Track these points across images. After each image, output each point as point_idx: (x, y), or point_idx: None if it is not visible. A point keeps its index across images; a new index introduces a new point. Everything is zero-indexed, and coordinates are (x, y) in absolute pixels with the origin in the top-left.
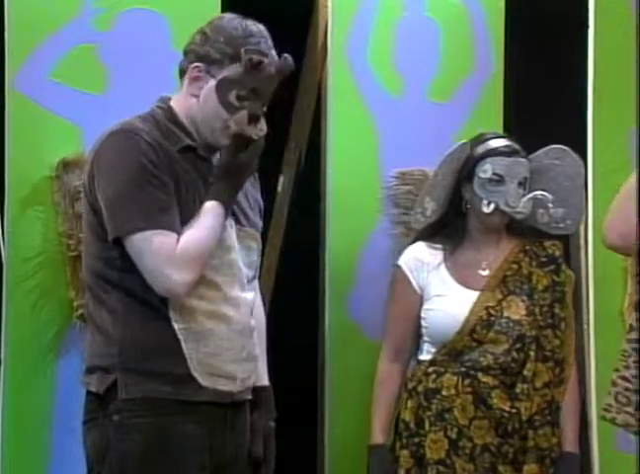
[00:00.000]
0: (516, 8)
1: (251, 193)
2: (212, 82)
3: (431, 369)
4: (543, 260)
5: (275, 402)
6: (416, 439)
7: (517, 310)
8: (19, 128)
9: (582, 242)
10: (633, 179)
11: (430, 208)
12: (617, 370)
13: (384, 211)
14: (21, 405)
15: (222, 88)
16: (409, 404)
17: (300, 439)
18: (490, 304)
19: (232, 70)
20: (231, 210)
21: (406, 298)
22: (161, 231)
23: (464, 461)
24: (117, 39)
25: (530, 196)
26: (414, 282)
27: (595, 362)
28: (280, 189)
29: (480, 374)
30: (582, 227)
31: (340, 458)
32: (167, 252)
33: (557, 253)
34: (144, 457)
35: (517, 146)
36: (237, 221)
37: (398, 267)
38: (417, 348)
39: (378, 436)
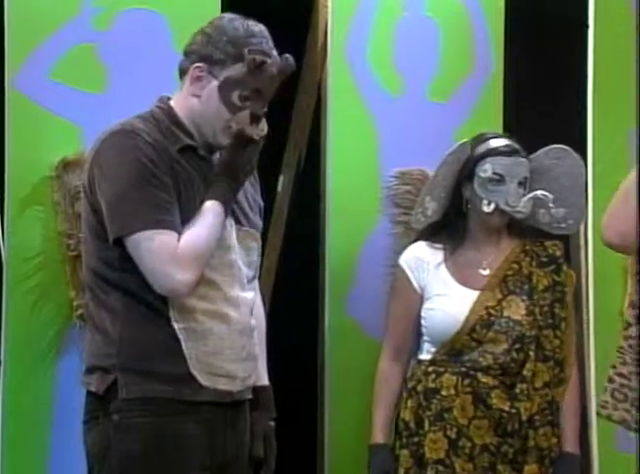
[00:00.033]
0: (516, 8)
1: (250, 193)
2: (215, 82)
3: (431, 369)
4: (544, 260)
5: (274, 402)
6: (415, 439)
7: (517, 310)
8: (19, 128)
9: (582, 242)
10: (632, 176)
11: (430, 208)
12: (614, 367)
13: (384, 211)
14: (21, 405)
15: (225, 88)
16: (409, 403)
17: (300, 439)
18: (490, 304)
19: (235, 70)
20: (231, 210)
21: (406, 297)
22: (162, 231)
23: (464, 461)
24: (116, 39)
25: (531, 195)
26: (414, 282)
27: (594, 362)
28: (279, 189)
29: (480, 374)
30: (582, 227)
31: (340, 458)
32: (169, 251)
33: (558, 253)
34: (144, 457)
35: (517, 146)
36: (237, 221)
37: (399, 266)
38: (417, 347)
39: (379, 436)
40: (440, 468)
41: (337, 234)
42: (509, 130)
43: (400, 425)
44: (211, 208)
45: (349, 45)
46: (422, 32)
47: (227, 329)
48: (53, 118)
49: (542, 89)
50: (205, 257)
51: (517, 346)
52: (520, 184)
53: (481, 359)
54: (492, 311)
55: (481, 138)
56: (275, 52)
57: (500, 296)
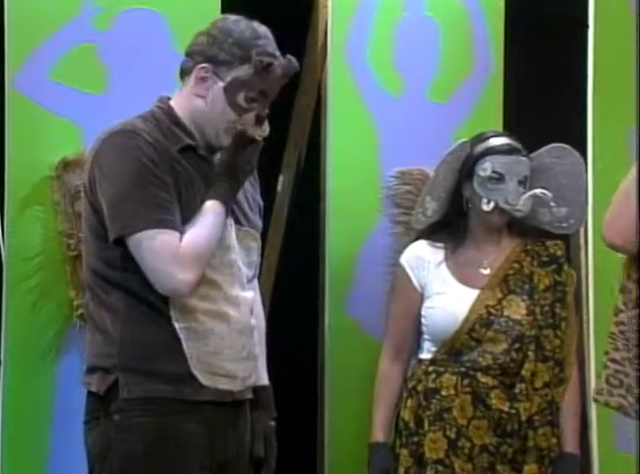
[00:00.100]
0: (516, 8)
1: (250, 193)
2: (220, 83)
3: (431, 369)
4: (545, 259)
5: (274, 401)
6: (415, 439)
7: (517, 309)
8: (19, 128)
9: (582, 242)
10: (632, 175)
11: (431, 208)
12: (607, 353)
13: (384, 211)
14: (21, 405)
15: (231, 89)
16: (408, 403)
17: (300, 439)
18: (490, 303)
19: (241, 72)
20: (231, 210)
21: (406, 296)
22: (164, 230)
23: (463, 461)
24: (116, 39)
25: (530, 193)
26: (414, 280)
27: (594, 362)
28: (279, 189)
29: (479, 374)
30: (582, 227)
31: (340, 458)
32: (170, 251)
33: (559, 252)
34: (145, 457)
35: (517, 145)
36: (237, 221)
37: (399, 265)
38: (418, 346)
39: (379, 435)
40: (440, 468)
41: (337, 234)
42: (509, 130)
43: (400, 424)
44: (212, 208)
45: (349, 45)
46: (422, 32)
47: (227, 328)
48: (53, 118)
49: (542, 89)
50: (207, 257)
51: (516, 345)
52: (520, 182)
53: (481, 359)
54: (492, 310)
55: (481, 137)
56: (278, 54)
57: (500, 296)
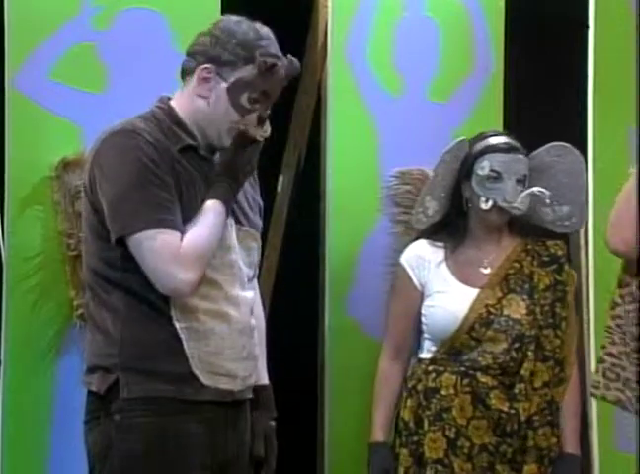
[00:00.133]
0: (516, 8)
1: (250, 193)
2: (223, 84)
3: (431, 368)
4: (545, 259)
5: (275, 401)
6: (415, 439)
7: (517, 309)
8: (19, 128)
9: (582, 242)
10: (633, 180)
11: (431, 208)
12: (604, 347)
13: (384, 211)
14: (21, 405)
15: (234, 90)
16: (408, 403)
17: (300, 439)
18: (490, 302)
19: (245, 72)
20: (231, 210)
21: (407, 295)
22: (164, 230)
23: (462, 461)
24: (116, 38)
25: (528, 191)
26: (414, 279)
27: (594, 362)
28: (279, 189)
29: (479, 374)
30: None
31: (340, 458)
32: (171, 250)
33: (560, 252)
34: (146, 457)
35: (515, 143)
36: (237, 221)
37: (399, 264)
38: (418, 345)
39: (379, 434)
40: (439, 468)
41: (337, 234)
42: (509, 130)
43: (400, 424)
44: (213, 208)
45: (349, 45)
46: (422, 32)
47: (228, 328)
48: (53, 117)
49: (542, 89)
50: (207, 256)
51: (516, 345)
52: (519, 181)
53: (480, 359)
54: (492, 309)
55: (480, 136)
56: (281, 55)
57: (500, 295)
